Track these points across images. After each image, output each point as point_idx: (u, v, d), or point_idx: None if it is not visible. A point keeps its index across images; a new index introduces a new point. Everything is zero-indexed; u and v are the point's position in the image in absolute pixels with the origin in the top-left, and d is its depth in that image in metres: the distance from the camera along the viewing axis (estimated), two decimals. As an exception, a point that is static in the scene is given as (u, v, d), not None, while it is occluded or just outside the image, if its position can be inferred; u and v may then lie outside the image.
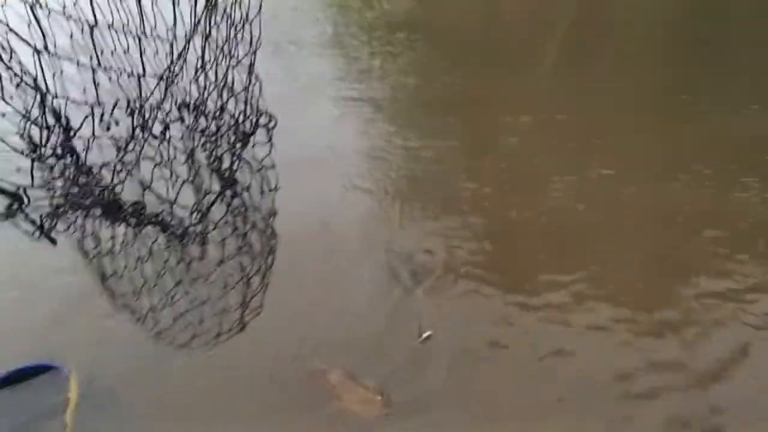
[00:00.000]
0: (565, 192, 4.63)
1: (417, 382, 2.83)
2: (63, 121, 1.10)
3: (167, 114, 1.18)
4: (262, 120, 1.16)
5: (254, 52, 1.12)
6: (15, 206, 0.98)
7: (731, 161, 5.01)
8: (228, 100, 1.15)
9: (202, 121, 1.18)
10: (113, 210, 1.17)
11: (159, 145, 1.17)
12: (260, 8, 1.15)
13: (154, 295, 1.36)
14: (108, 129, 1.08)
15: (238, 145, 1.19)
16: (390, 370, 2.89)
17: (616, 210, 4.42)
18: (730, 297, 3.37)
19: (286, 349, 2.99)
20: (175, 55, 1.09)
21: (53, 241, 1.04)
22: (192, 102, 1.15)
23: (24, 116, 1.04)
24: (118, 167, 1.17)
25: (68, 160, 1.13)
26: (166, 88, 1.16)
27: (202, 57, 1.13)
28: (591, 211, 4.35)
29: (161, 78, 1.10)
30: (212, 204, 1.23)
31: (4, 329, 3.33)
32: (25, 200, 0.99)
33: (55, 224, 1.05)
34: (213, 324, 1.46)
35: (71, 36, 1.05)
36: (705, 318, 3.21)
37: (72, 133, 1.08)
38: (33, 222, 1.02)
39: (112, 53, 1.06)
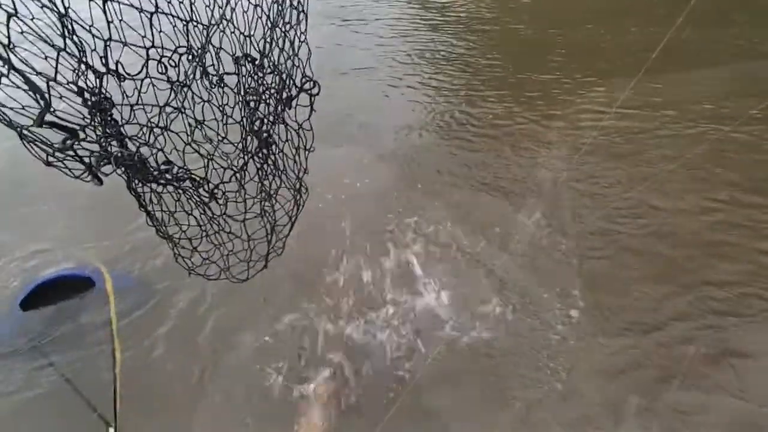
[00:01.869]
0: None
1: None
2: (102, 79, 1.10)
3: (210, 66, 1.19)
4: (307, 85, 1.18)
5: (305, 16, 1.15)
6: (70, 141, 0.98)
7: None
8: (285, 60, 1.17)
9: (248, 80, 1.20)
10: (141, 170, 1.18)
11: (207, 95, 1.18)
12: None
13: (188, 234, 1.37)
14: (165, 71, 1.09)
15: (280, 106, 1.21)
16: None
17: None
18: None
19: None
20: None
21: (100, 181, 1.04)
22: (253, 56, 1.17)
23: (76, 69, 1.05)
24: (156, 121, 1.17)
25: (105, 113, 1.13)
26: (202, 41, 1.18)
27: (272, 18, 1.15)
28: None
29: (216, 24, 1.11)
30: (246, 163, 1.25)
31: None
32: (81, 136, 0.99)
33: (102, 165, 1.06)
34: (239, 263, 1.48)
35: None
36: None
37: (122, 79, 1.08)
38: (81, 160, 1.02)
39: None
